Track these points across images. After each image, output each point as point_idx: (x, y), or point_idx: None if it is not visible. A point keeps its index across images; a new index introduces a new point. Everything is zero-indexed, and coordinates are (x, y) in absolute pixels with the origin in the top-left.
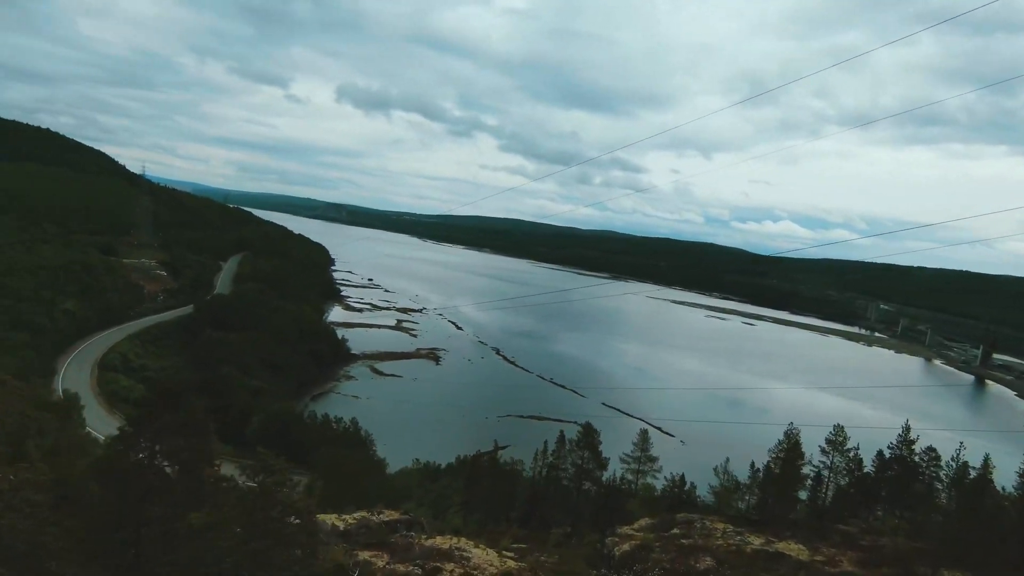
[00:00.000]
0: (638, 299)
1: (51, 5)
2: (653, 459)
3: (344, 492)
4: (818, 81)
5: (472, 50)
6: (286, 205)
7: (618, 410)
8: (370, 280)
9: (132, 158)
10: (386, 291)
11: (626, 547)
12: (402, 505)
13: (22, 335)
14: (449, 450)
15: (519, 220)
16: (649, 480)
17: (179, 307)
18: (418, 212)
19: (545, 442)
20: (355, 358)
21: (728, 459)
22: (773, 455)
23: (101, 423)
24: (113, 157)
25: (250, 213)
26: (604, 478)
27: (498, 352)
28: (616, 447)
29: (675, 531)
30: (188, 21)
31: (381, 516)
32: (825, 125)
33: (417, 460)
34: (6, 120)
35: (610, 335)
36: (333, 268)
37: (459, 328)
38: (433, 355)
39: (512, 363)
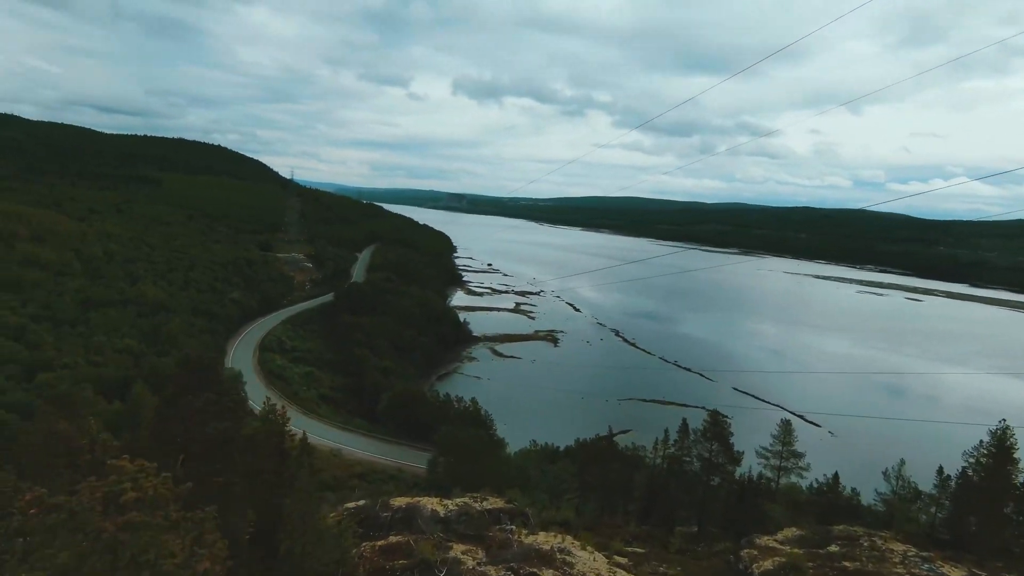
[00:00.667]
0: (773, 275)
1: (216, 39)
2: (798, 455)
3: (463, 469)
4: (1006, 3)
5: (582, 26)
6: (412, 198)
7: (751, 395)
8: (489, 265)
9: (284, 165)
10: (504, 275)
11: (767, 564)
12: (519, 487)
13: (201, 321)
14: (568, 433)
15: (637, 198)
16: (793, 479)
17: (322, 295)
18: (534, 196)
19: (666, 430)
20: (476, 340)
21: (903, 461)
22: (972, 459)
23: (259, 396)
24: (269, 165)
25: (380, 207)
26: (737, 473)
27: (617, 334)
28: (750, 438)
29: (833, 549)
30: (323, 37)
31: (484, 503)
32: (1013, 59)
33: (535, 442)
34: (188, 141)
35: (741, 315)
36: (455, 255)
37: (577, 310)
38: (551, 337)
39: (632, 344)
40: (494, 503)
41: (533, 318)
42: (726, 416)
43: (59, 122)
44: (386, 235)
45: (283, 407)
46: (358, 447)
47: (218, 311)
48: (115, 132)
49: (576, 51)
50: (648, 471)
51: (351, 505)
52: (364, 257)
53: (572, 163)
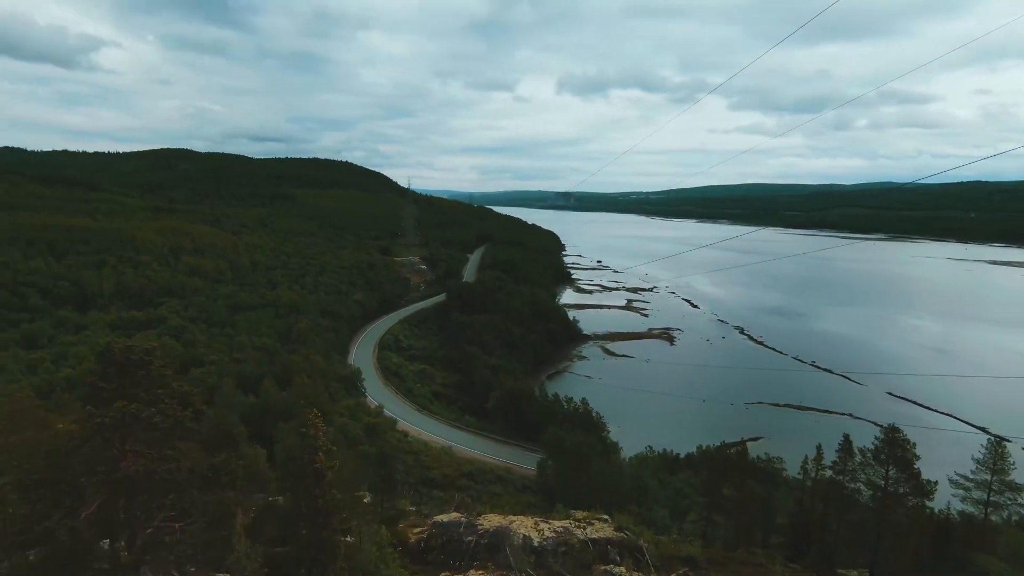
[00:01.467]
0: (932, 262)
1: (342, 65)
2: (1017, 487)
3: (572, 475)
4: None
5: (690, 6)
6: (520, 199)
7: (913, 402)
8: (599, 262)
9: (402, 175)
10: (615, 272)
11: None
12: (635, 502)
13: (328, 321)
14: (687, 439)
15: (759, 184)
16: (1010, 516)
17: (435, 295)
18: (644, 190)
19: (819, 446)
20: (586, 338)
21: None
22: None
23: (377, 391)
24: (389, 177)
25: (490, 210)
26: (931, 508)
27: (742, 331)
28: (929, 458)
29: None
30: (432, 51)
31: (589, 530)
32: None
33: (651, 448)
34: (321, 160)
35: (893, 308)
36: (564, 253)
37: (694, 306)
38: (667, 335)
39: (759, 343)
40: (600, 530)
41: (646, 315)
42: (905, 436)
43: (220, 152)
44: (495, 235)
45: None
46: (468, 445)
47: (342, 311)
48: (263, 157)
49: (686, 34)
50: (794, 494)
51: (443, 518)
52: (475, 258)
53: (684, 152)
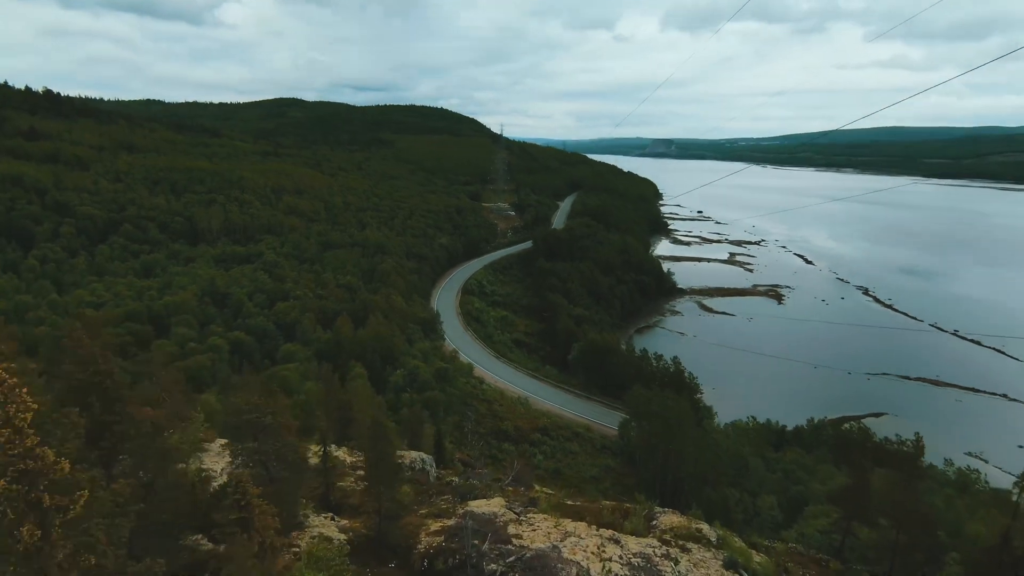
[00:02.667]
0: None
1: (440, 8)
2: None
3: (661, 439)
4: None
5: None
6: (616, 147)
7: None
8: (699, 213)
9: (495, 123)
10: (717, 223)
11: None
12: (733, 484)
13: (412, 263)
14: (794, 409)
15: (896, 128)
16: None
17: (522, 242)
18: (755, 136)
19: None
20: (681, 293)
21: None
22: None
23: (456, 336)
24: (482, 123)
25: (584, 157)
26: None
27: (866, 292)
28: None
29: None
30: None
31: (683, 562)
32: None
33: (753, 418)
34: (417, 107)
35: None
36: (661, 203)
37: (808, 262)
38: (774, 293)
39: (888, 306)
40: (702, 564)
41: (751, 270)
42: None
43: (326, 100)
44: (588, 182)
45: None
46: (546, 397)
47: (427, 254)
48: (364, 105)
49: None
50: (986, 516)
51: (480, 507)
52: (565, 205)
53: (805, 93)
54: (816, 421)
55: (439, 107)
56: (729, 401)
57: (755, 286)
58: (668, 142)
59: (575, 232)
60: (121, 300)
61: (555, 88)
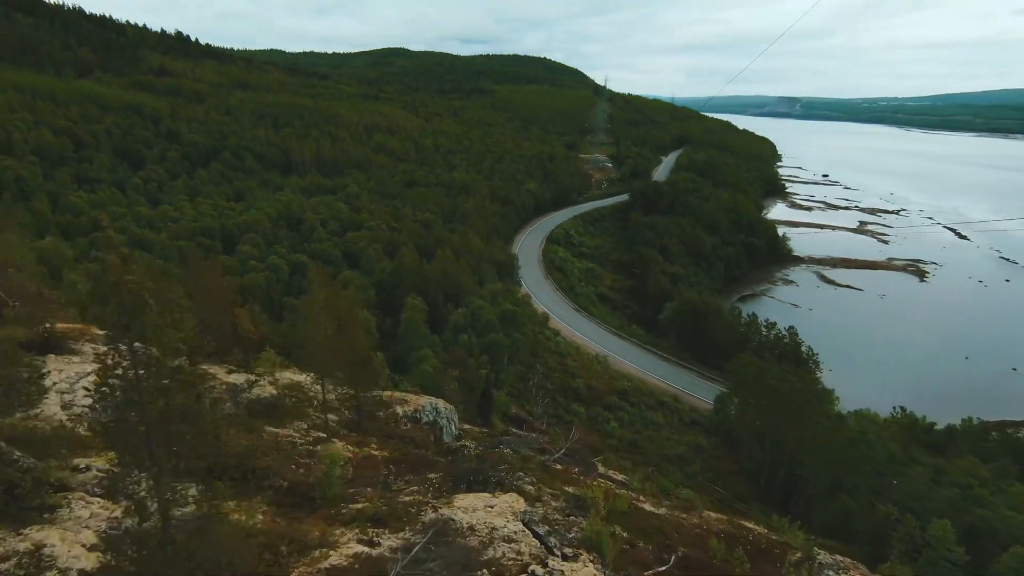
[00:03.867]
0: None
1: None
2: None
3: (768, 420)
4: None
5: None
6: (732, 106)
7: None
8: (824, 176)
9: (599, 75)
10: (846, 188)
11: None
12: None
13: (496, 206)
14: (936, 405)
15: None
16: None
17: (618, 195)
18: (899, 97)
19: None
20: (798, 261)
21: None
22: None
23: (535, 284)
24: (585, 74)
25: (695, 112)
26: None
27: None
28: None
29: None
30: None
31: None
32: None
33: (901, 408)
34: (520, 56)
35: None
36: (779, 164)
37: (962, 237)
38: (915, 268)
39: None
40: None
41: (886, 242)
42: None
43: (432, 51)
44: (696, 138)
45: None
46: (630, 359)
47: (513, 198)
48: (467, 55)
49: None
50: None
51: (477, 521)
52: (668, 160)
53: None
54: (975, 421)
55: (542, 57)
56: (850, 387)
57: (890, 260)
58: (792, 100)
59: (678, 186)
60: (202, 218)
61: (666, 42)
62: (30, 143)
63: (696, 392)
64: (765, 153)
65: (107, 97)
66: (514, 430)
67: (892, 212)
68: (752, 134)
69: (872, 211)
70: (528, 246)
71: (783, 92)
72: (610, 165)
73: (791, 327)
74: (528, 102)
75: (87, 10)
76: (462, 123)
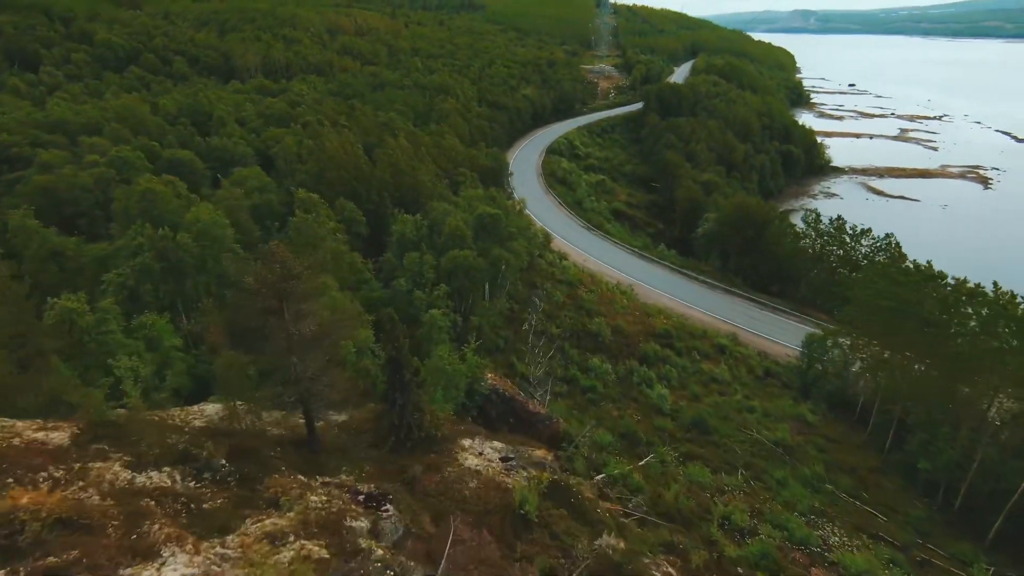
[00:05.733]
0: None
1: None
2: None
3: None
4: None
5: None
6: (739, 22)
7: None
8: (851, 85)
9: None
10: (876, 96)
11: None
12: None
13: (485, 109)
14: None
15: None
16: None
17: (628, 103)
18: (919, 4)
19: None
20: (838, 171)
21: None
22: None
23: (535, 201)
24: None
25: (706, 21)
26: None
27: None
28: None
29: None
30: None
31: None
32: None
33: None
34: None
35: None
36: (800, 76)
37: (1020, 140)
38: (977, 174)
39: None
40: None
41: (934, 148)
42: None
43: None
44: (711, 46)
45: None
46: (662, 288)
47: (506, 103)
48: None
49: None
50: None
51: None
52: (683, 70)
53: None
54: None
55: None
56: None
57: (944, 167)
58: (806, 14)
59: (699, 89)
60: (80, 113)
61: None
62: None
63: (760, 329)
64: (785, 62)
65: None
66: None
67: (934, 118)
68: (769, 44)
69: (912, 118)
70: (524, 159)
71: (794, 5)
72: (617, 74)
73: (890, 234)
74: (523, 12)
75: None
76: (447, 31)
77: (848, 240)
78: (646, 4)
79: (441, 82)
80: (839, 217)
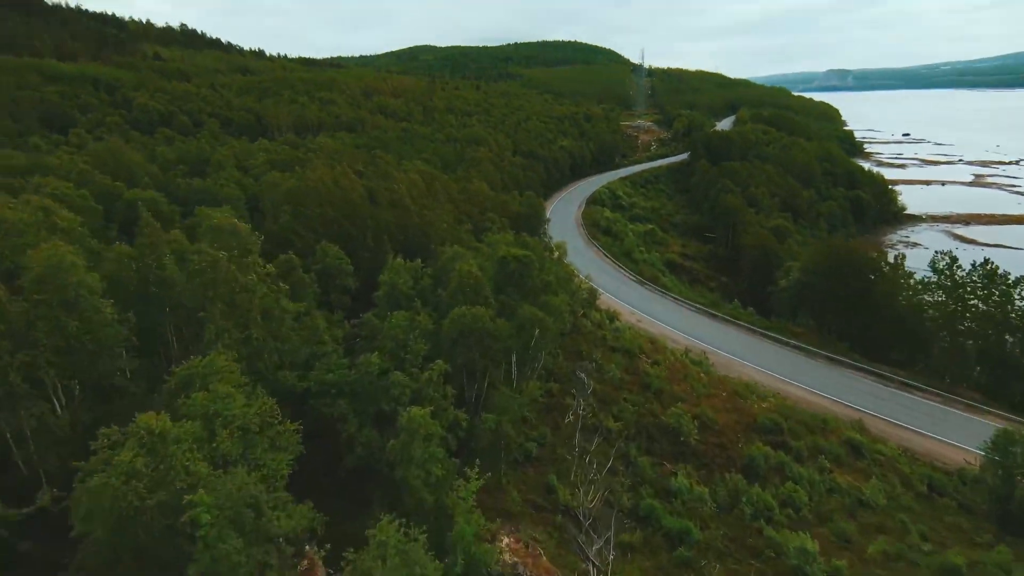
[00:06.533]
0: None
1: None
2: None
3: None
4: None
5: None
6: (777, 84)
7: None
8: (905, 135)
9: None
10: (936, 144)
11: None
12: None
13: (520, 159)
14: None
15: None
16: None
17: (670, 156)
18: (964, 59)
19: None
20: (914, 219)
21: None
22: None
23: (577, 252)
24: (618, 52)
25: (744, 80)
26: None
27: None
28: None
29: None
30: None
31: None
32: None
33: None
34: (548, 41)
35: None
36: (847, 128)
37: None
38: None
39: None
40: None
41: (1021, 193)
42: None
43: (460, 44)
44: (751, 101)
45: None
46: (742, 355)
47: (543, 154)
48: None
49: None
50: None
51: None
52: (725, 123)
53: None
54: None
55: (571, 40)
56: None
57: None
58: (843, 73)
59: (748, 137)
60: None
61: (700, 25)
62: None
63: (895, 415)
64: (831, 114)
65: (54, 68)
66: None
67: (1011, 163)
68: (811, 99)
69: (984, 163)
70: (562, 210)
71: (830, 65)
72: (657, 128)
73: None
74: (560, 78)
75: (88, 8)
76: (483, 93)
77: (997, 292)
78: (681, 67)
79: (474, 134)
80: (987, 260)
